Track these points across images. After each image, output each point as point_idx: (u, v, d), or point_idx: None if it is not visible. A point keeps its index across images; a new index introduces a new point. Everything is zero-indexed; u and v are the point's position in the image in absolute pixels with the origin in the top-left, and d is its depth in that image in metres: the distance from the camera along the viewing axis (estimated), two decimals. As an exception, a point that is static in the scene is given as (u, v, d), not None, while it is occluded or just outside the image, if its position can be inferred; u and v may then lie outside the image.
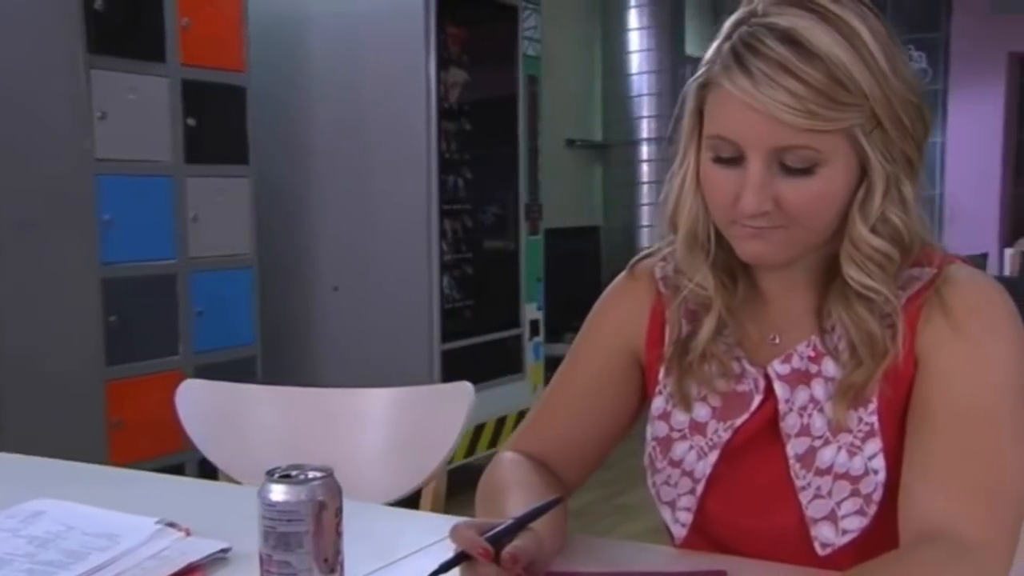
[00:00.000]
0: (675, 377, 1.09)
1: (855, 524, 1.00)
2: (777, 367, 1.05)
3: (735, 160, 0.97)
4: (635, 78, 6.17)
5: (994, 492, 0.92)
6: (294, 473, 0.91)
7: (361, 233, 3.90)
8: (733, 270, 1.07)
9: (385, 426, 1.62)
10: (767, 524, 1.05)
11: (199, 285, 3.30)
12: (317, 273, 4.00)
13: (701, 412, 1.08)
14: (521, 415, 4.26)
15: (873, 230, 0.97)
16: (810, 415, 1.03)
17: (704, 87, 0.99)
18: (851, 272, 0.98)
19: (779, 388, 1.04)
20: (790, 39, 0.92)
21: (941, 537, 0.88)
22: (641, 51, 6.16)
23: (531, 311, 4.33)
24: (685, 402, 1.09)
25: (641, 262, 1.17)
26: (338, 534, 0.92)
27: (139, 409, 3.11)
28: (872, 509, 0.99)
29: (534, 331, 4.35)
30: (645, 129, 6.14)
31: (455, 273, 4.02)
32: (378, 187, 3.88)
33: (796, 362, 1.04)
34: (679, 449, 1.09)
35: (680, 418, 1.10)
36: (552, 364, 4.91)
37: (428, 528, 1.16)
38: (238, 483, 1.56)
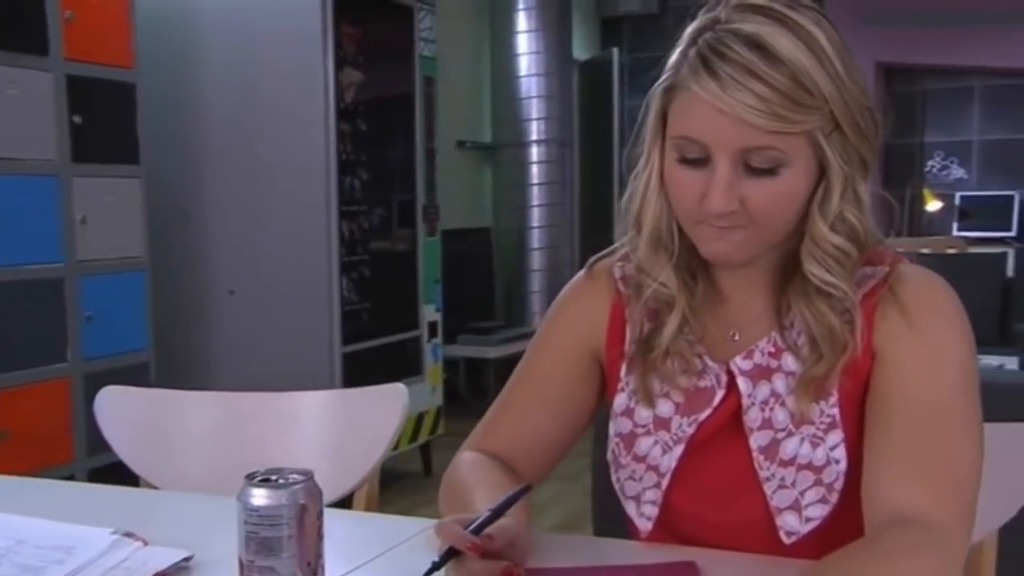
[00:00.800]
0: (638, 374, 1.11)
1: (818, 512, 1.03)
2: (740, 363, 1.07)
3: (701, 161, 0.99)
4: (524, 80, 6.22)
5: (953, 478, 0.95)
6: (274, 477, 0.89)
7: (257, 235, 3.81)
8: (693, 269, 1.09)
9: (319, 428, 1.59)
10: (732, 515, 1.07)
11: (89, 289, 3.17)
12: (212, 276, 3.89)
13: (664, 408, 1.10)
14: (422, 417, 4.24)
15: (832, 228, 1.00)
16: (772, 409, 1.05)
17: (669, 91, 1.01)
18: (812, 269, 1.01)
19: (742, 383, 1.06)
20: (755, 44, 0.95)
21: (908, 522, 0.91)
22: (530, 54, 6.21)
23: (429, 313, 4.31)
24: (648, 398, 1.10)
25: (599, 262, 1.19)
26: (319, 537, 0.90)
27: (26, 419, 2.98)
28: (834, 497, 1.03)
29: (432, 333, 4.33)
30: (535, 131, 6.19)
31: (352, 275, 3.97)
32: (274, 188, 3.80)
33: (758, 358, 1.07)
34: (644, 444, 1.10)
35: (644, 414, 1.11)
36: (448, 366, 4.91)
37: (390, 530, 1.15)
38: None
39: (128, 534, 1.03)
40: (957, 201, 6.71)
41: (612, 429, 1.13)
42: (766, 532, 1.04)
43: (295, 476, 0.89)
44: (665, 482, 1.09)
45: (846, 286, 1.01)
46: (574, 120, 6.59)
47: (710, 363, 1.09)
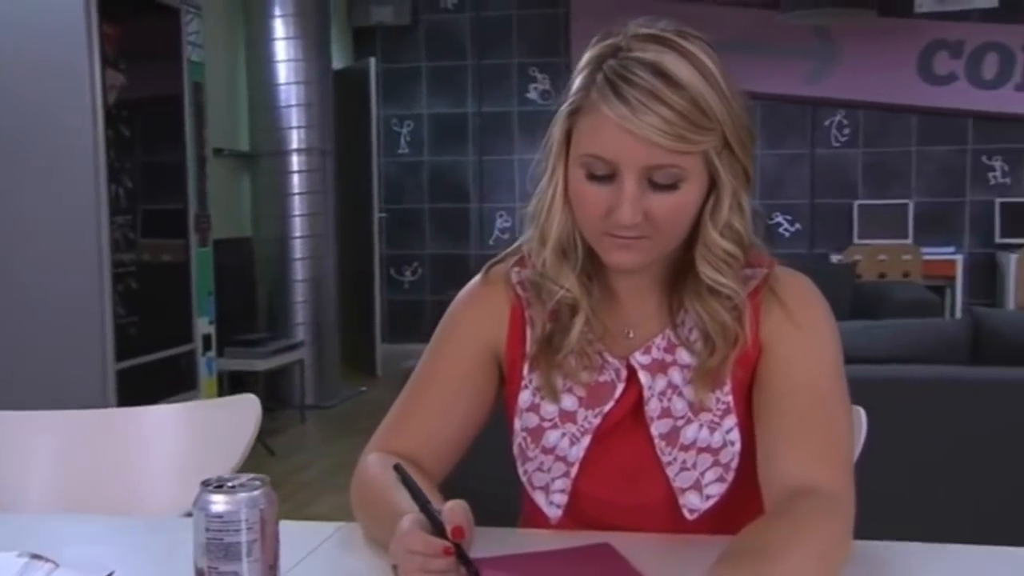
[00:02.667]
0: (541, 372, 1.18)
1: (717, 490, 1.14)
2: (639, 358, 1.17)
3: (607, 177, 1.07)
4: (283, 88, 6.11)
5: (839, 452, 1.09)
6: (231, 483, 0.89)
7: (17, 246, 3.54)
8: (590, 274, 1.17)
9: (171, 442, 1.56)
10: (638, 498, 1.16)
11: None
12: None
13: (568, 402, 1.17)
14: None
15: (721, 235, 1.11)
16: (670, 399, 1.15)
17: (575, 113, 1.09)
18: (706, 271, 1.12)
19: (643, 376, 1.16)
20: (658, 71, 1.04)
21: (807, 492, 1.03)
22: (288, 61, 6.11)
23: (203, 325, 4.17)
24: (553, 394, 1.17)
25: (494, 268, 1.25)
26: (277, 541, 0.90)
27: None
28: (730, 476, 1.14)
29: (207, 346, 4.19)
30: (295, 140, 6.10)
31: (119, 288, 3.77)
32: (35, 196, 3.54)
33: (655, 353, 1.17)
34: (552, 437, 1.17)
35: (549, 409, 1.18)
36: (227, 379, 4.74)
37: (298, 534, 1.15)
38: None
39: (36, 556, 0.97)
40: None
41: (518, 424, 1.20)
42: (670, 511, 1.15)
43: (251, 482, 0.89)
44: (574, 471, 1.16)
45: (736, 285, 1.12)
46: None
47: (610, 359, 1.17)
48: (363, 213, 7.04)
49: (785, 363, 1.13)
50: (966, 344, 2.71)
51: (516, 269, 1.23)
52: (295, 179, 6.10)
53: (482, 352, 1.22)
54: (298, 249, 6.11)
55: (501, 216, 7.68)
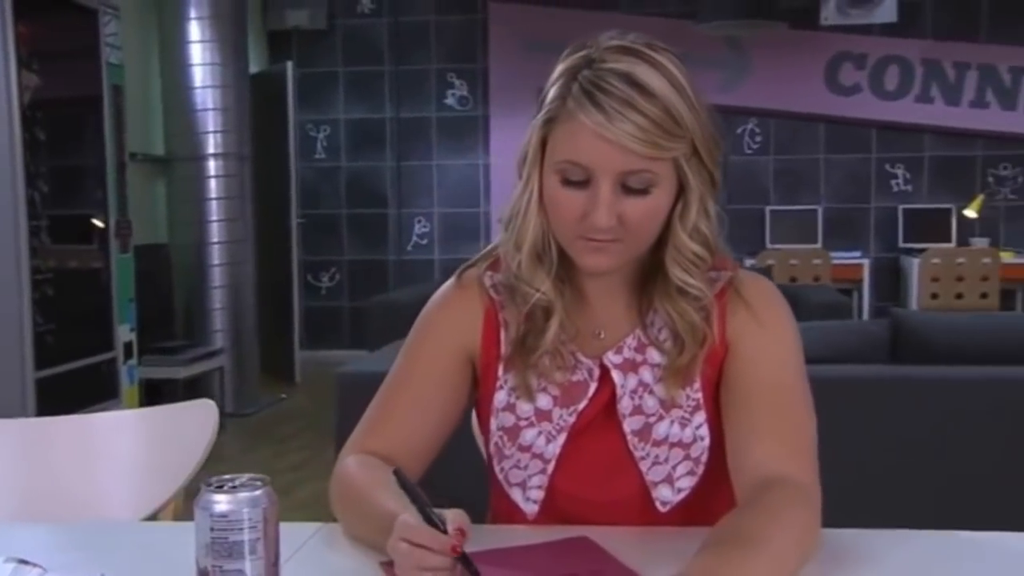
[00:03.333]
0: (517, 372, 1.21)
1: (687, 483, 1.19)
2: (612, 357, 1.21)
3: (583, 183, 1.11)
4: (199, 92, 6.02)
5: (804, 443, 1.15)
6: (232, 483, 0.90)
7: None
8: (562, 277, 1.21)
9: (129, 447, 1.55)
10: (612, 492, 1.20)
11: None
12: None
13: (543, 401, 1.21)
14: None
15: (690, 237, 1.16)
16: (641, 397, 1.20)
17: (550, 122, 1.12)
18: (676, 272, 1.16)
19: (616, 375, 1.20)
20: (632, 81, 1.08)
21: (777, 483, 1.09)
22: (204, 65, 6.02)
23: (124, 333, 4.09)
24: (528, 393, 1.21)
25: (467, 272, 1.28)
26: (278, 539, 0.92)
27: None
28: (700, 469, 1.19)
29: (128, 353, 4.11)
30: (211, 144, 6.01)
31: (36, 295, 3.68)
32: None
33: (626, 352, 1.21)
34: (528, 435, 1.21)
35: (525, 408, 1.21)
36: (144, 387, 4.65)
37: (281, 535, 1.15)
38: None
39: (23, 561, 0.96)
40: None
41: (494, 424, 1.23)
42: (643, 504, 1.19)
43: (252, 482, 0.90)
44: (550, 468, 1.20)
45: (704, 286, 1.17)
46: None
47: (583, 359, 1.21)
48: (280, 219, 6.96)
49: (751, 361, 1.18)
50: (887, 344, 2.83)
51: (489, 273, 1.26)
52: (212, 184, 6.01)
53: (457, 353, 1.25)
54: (216, 255, 6.02)
55: (419, 221, 7.68)
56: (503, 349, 1.23)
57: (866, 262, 6.91)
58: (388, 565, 1.04)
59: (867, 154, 7.24)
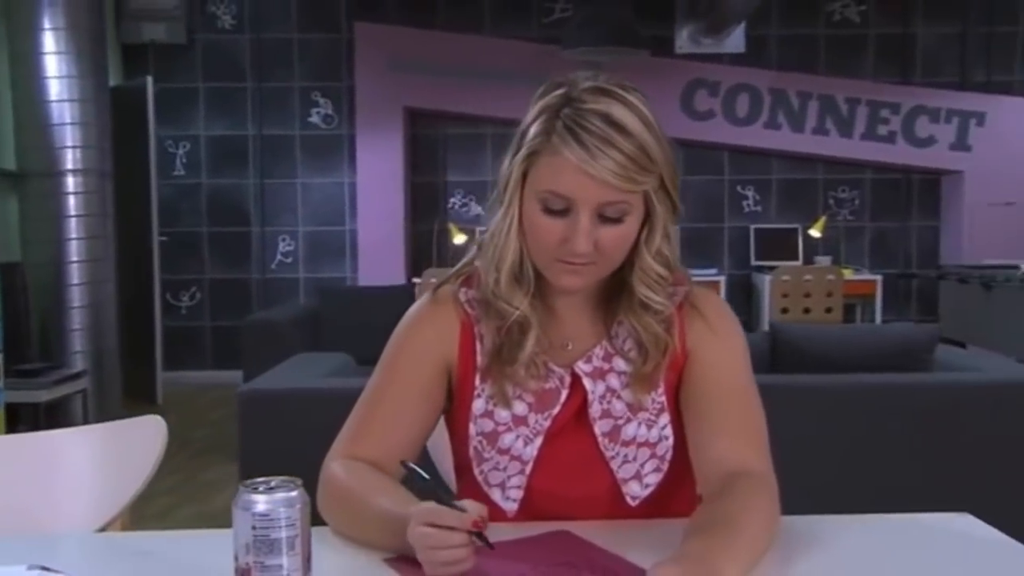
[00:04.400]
0: (494, 381, 1.30)
1: (654, 479, 1.30)
2: (582, 366, 1.31)
3: (562, 211, 1.21)
4: (55, 105, 5.81)
5: (760, 440, 1.28)
6: (269, 485, 0.95)
7: None
8: (535, 294, 1.31)
9: (78, 463, 1.55)
10: (586, 490, 1.30)
11: None
12: None
13: (519, 408, 1.30)
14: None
15: (654, 259, 1.28)
16: (609, 401, 1.31)
17: (533, 155, 1.21)
18: (642, 291, 1.28)
19: (587, 382, 1.31)
20: (611, 121, 1.18)
21: (741, 475, 1.21)
22: (61, 78, 5.82)
23: (-9, 355, 3.91)
24: (505, 401, 1.30)
25: (441, 288, 1.36)
26: (310, 536, 0.97)
27: None
28: (665, 466, 1.31)
29: (-7, 377, 3.94)
30: (69, 160, 5.81)
31: None
32: None
33: (595, 361, 1.32)
34: (507, 439, 1.30)
35: (503, 414, 1.30)
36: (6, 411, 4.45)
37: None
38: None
39: (44, 568, 0.98)
40: (477, 235, 7.47)
41: (473, 430, 1.31)
42: (614, 500, 1.30)
43: (286, 483, 0.96)
44: (528, 469, 1.29)
45: (666, 301, 1.30)
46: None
47: (555, 368, 1.31)
48: (141, 237, 6.78)
49: (710, 366, 1.31)
50: (767, 354, 3.02)
51: (463, 289, 1.35)
52: (71, 201, 5.81)
53: (436, 365, 1.33)
54: (75, 274, 5.81)
55: (284, 240, 7.61)
56: (479, 360, 1.32)
57: (722, 279, 7.26)
58: (394, 561, 1.10)
59: (720, 176, 7.62)
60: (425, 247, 7.57)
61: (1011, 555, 1.18)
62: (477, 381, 1.32)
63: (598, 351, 1.32)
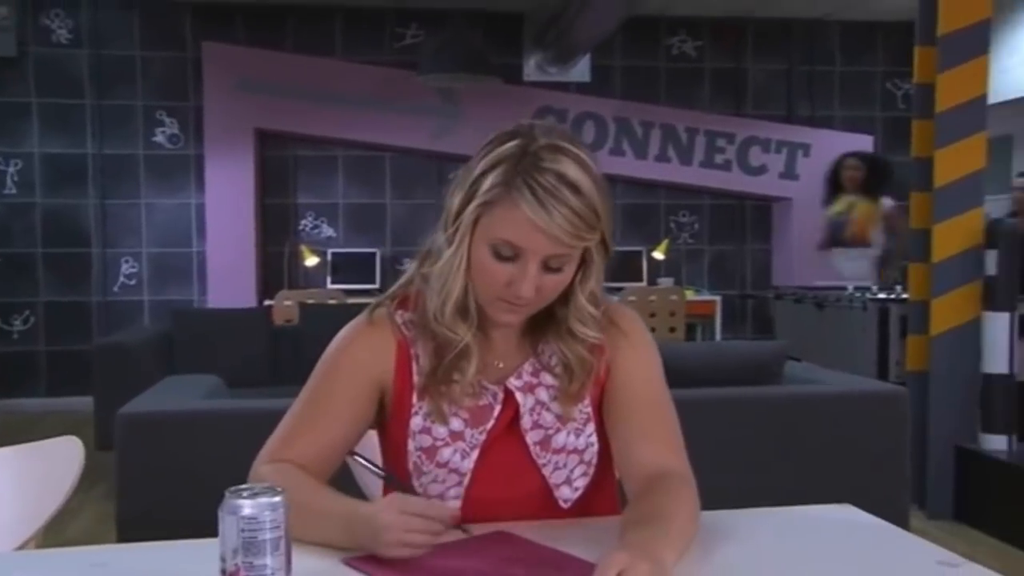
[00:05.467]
0: (431, 399, 1.38)
1: (582, 482, 1.41)
2: (514, 381, 1.41)
3: (511, 258, 1.29)
4: None
5: (678, 442, 1.41)
6: (252, 491, 0.99)
7: None
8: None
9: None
10: (520, 496, 1.39)
11: None
12: None
13: (456, 424, 1.39)
14: None
15: (587, 300, 1.39)
16: (539, 413, 1.41)
17: (488, 204, 1.28)
18: (577, 328, 1.39)
19: (519, 396, 1.40)
20: (565, 180, 1.26)
21: (665, 474, 1.33)
22: None
23: None
24: (442, 418, 1.38)
25: (377, 310, 1.43)
26: (290, 538, 1.02)
27: None
28: (592, 470, 1.41)
29: None
30: None
31: None
32: None
33: (525, 377, 1.42)
34: (445, 453, 1.38)
35: (440, 431, 1.38)
36: None
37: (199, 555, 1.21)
38: None
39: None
40: (329, 257, 7.45)
41: (411, 445, 1.39)
42: (547, 503, 1.40)
43: (267, 489, 1.01)
44: (466, 480, 1.38)
45: (598, 334, 1.40)
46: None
47: (488, 385, 1.41)
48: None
49: (630, 377, 1.43)
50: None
51: (399, 311, 1.43)
52: None
53: (368, 382, 1.40)
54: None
55: (127, 261, 7.37)
56: (416, 380, 1.40)
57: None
58: (356, 560, 1.16)
59: (567, 201, 7.82)
60: (276, 269, 7.47)
61: (890, 536, 1.36)
62: (414, 399, 1.39)
63: (527, 367, 1.42)
